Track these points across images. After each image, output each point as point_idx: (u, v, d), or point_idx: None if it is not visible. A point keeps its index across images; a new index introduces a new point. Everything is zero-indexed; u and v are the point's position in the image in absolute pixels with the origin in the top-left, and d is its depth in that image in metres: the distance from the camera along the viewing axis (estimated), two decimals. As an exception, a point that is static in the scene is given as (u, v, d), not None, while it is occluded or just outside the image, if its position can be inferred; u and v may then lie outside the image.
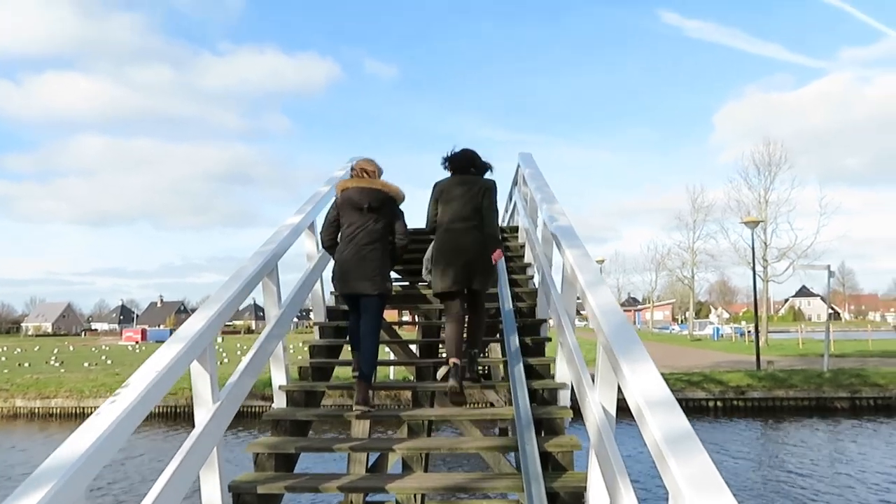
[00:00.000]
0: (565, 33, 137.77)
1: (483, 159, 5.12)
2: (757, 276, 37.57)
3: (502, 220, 10.52)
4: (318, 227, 6.10)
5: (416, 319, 9.77)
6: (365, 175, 4.95)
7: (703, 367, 23.82)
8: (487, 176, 5.14)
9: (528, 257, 7.45)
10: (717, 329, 51.20)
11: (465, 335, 4.91)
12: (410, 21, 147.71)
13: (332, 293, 6.31)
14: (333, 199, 5.08)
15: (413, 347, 7.40)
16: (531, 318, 6.05)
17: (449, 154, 5.04)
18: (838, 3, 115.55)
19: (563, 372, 4.82)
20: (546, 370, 5.20)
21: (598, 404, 3.52)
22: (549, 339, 5.65)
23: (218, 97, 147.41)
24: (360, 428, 6.52)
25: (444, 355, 4.87)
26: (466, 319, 4.93)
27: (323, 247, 5.16)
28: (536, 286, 6.84)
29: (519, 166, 9.01)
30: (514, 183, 10.03)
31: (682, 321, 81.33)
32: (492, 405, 10.65)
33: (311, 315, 6.40)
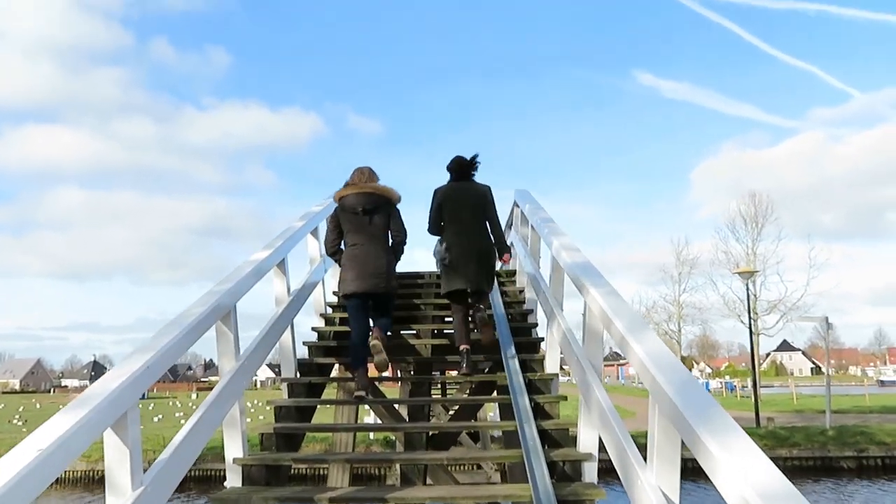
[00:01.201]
0: (544, 93, 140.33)
1: (472, 160, 5.51)
2: (747, 328, 36.99)
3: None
4: (289, 266, 5.24)
5: (400, 374, 8.79)
6: (362, 178, 5.08)
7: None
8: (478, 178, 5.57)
9: (530, 303, 6.57)
10: (706, 384, 50.18)
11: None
12: (394, 78, 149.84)
13: (334, 293, 6.25)
14: (333, 209, 5.18)
15: (399, 408, 6.40)
16: (540, 373, 5.12)
17: (449, 164, 5.53)
18: (807, 66, 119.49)
19: (588, 439, 3.89)
20: (564, 436, 4.26)
21: (655, 489, 2.61)
22: (565, 398, 4.72)
23: (201, 151, 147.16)
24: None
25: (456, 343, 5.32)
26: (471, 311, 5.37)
27: (327, 254, 5.32)
28: (539, 335, 5.99)
29: (515, 206, 8.20)
30: (509, 225, 9.22)
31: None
32: (502, 478, 9.56)
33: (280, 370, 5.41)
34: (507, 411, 5.40)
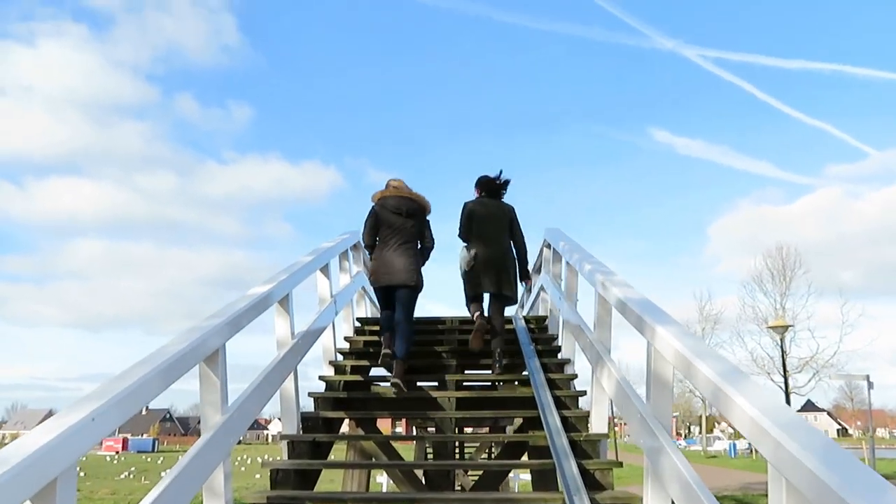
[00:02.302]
0: (560, 148, 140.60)
1: (504, 182, 6.11)
2: (778, 387, 35.43)
3: (523, 308, 8.93)
4: (294, 304, 4.56)
5: (416, 432, 7.96)
6: (397, 188, 5.55)
7: (733, 490, 21.41)
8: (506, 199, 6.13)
9: (566, 352, 5.80)
10: (733, 445, 48.12)
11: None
12: (412, 133, 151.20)
13: (345, 338, 6.26)
14: (371, 208, 5.52)
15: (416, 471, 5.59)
16: (585, 433, 4.33)
17: (478, 181, 6.13)
18: (821, 124, 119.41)
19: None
20: (623, 513, 3.45)
21: None
22: (619, 465, 3.91)
23: (220, 204, 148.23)
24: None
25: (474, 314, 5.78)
26: (489, 322, 5.74)
27: (365, 246, 5.66)
28: (575, 386, 5.22)
29: (545, 247, 7.50)
30: (537, 269, 8.50)
31: (685, 435, 78.00)
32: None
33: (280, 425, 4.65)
34: (544, 480, 4.60)
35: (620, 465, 3.86)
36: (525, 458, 5.12)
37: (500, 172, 6.10)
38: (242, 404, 3.54)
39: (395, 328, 5.23)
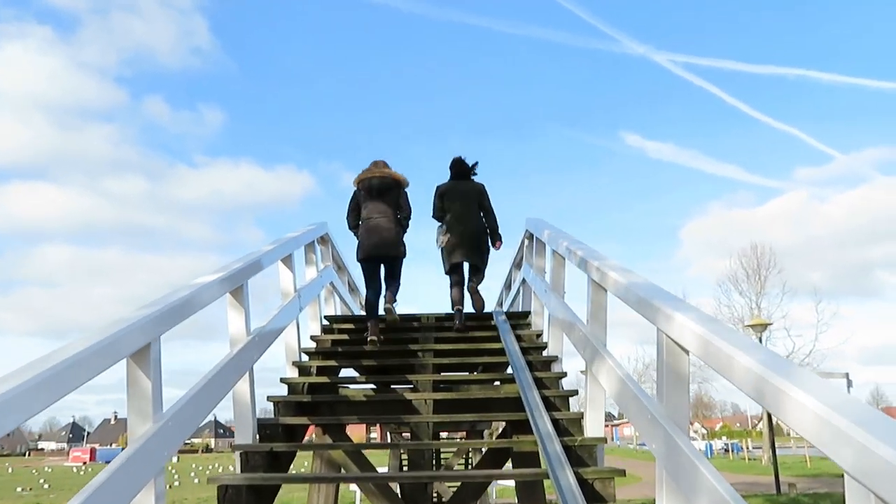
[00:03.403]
0: (533, 152, 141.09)
1: (472, 165, 6.63)
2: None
3: (502, 306, 8.44)
4: (249, 297, 4.03)
5: (390, 438, 7.42)
6: (376, 166, 5.89)
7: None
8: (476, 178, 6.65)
9: (553, 349, 5.32)
10: (709, 445, 48.08)
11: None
12: (386, 137, 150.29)
13: (311, 337, 5.95)
14: (353, 191, 5.91)
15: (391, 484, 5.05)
16: (580, 437, 3.84)
17: (451, 164, 6.62)
18: (788, 128, 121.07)
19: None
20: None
21: None
22: (623, 473, 3.42)
23: (191, 209, 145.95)
24: None
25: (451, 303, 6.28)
26: (466, 283, 6.41)
27: (349, 228, 5.95)
28: (560, 385, 4.74)
29: (526, 239, 7.02)
30: (517, 264, 8.02)
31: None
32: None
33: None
34: (531, 491, 4.11)
35: (623, 473, 3.38)
36: (509, 465, 4.62)
37: (476, 163, 6.66)
38: (181, 410, 2.99)
39: (377, 311, 5.66)
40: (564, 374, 4.92)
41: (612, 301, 3.99)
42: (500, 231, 6.45)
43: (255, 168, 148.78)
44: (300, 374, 5.08)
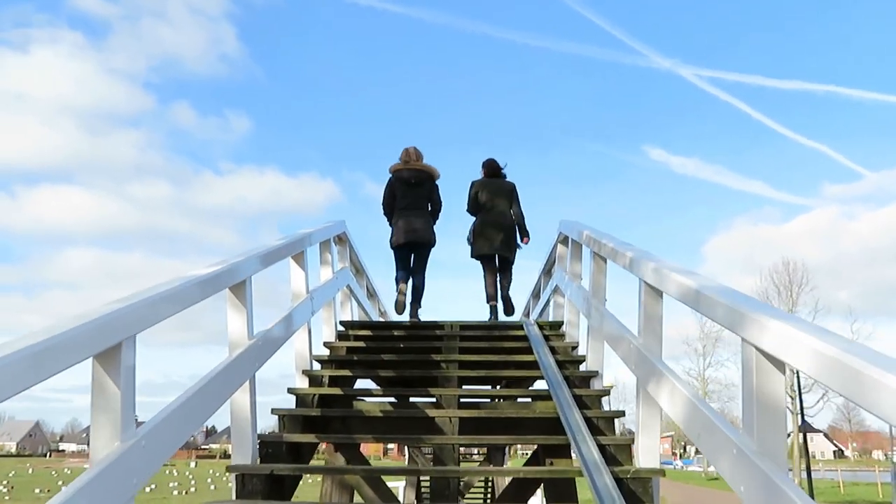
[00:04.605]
0: (557, 166, 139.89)
1: (502, 166, 7.03)
2: (787, 409, 34.36)
3: (529, 316, 7.89)
4: (252, 295, 3.54)
5: (408, 456, 6.88)
6: (410, 158, 6.31)
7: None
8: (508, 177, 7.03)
9: (592, 363, 4.76)
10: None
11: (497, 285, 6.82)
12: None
13: (324, 344, 5.48)
14: (388, 178, 6.38)
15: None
16: (631, 467, 3.28)
17: (484, 163, 7.00)
18: (816, 145, 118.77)
19: None
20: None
21: None
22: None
23: (215, 215, 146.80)
24: None
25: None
26: (498, 277, 6.81)
27: (384, 213, 6.39)
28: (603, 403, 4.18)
29: (559, 243, 6.47)
30: (547, 271, 7.47)
31: (681, 455, 76.75)
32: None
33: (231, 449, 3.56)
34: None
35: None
36: (540, 499, 4.06)
37: (506, 164, 7.06)
38: (158, 427, 2.48)
39: (409, 280, 6.27)
40: (607, 392, 4.36)
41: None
42: (527, 227, 6.82)
43: (280, 175, 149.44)
44: (310, 384, 4.57)
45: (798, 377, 23.13)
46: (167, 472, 52.76)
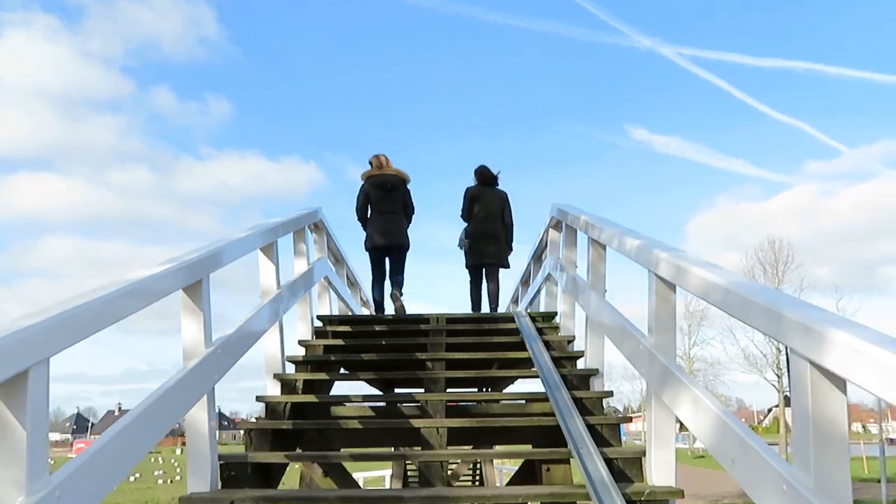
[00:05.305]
0: (540, 146, 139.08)
1: (496, 174, 7.10)
2: (772, 386, 34.35)
3: (518, 304, 7.49)
4: (210, 296, 3.10)
5: (392, 469, 6.49)
6: (381, 164, 6.51)
7: (732, 497, 20.13)
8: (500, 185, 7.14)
9: (592, 360, 4.36)
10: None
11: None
12: (393, 130, 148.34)
13: (300, 342, 5.07)
14: (361, 185, 6.49)
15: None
16: (645, 485, 2.89)
17: (476, 170, 7.12)
18: (796, 122, 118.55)
19: None
20: None
21: None
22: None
23: (197, 201, 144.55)
24: None
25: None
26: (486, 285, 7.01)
27: (358, 219, 6.50)
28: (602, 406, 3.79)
29: (550, 228, 6.07)
30: (536, 258, 7.07)
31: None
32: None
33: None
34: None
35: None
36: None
37: (499, 172, 7.14)
38: (86, 466, 2.04)
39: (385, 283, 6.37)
40: (610, 394, 3.98)
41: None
42: (512, 240, 7.03)
43: (262, 160, 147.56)
44: (283, 390, 4.14)
45: (788, 354, 22.95)
46: (152, 459, 52.18)
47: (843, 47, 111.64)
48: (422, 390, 4.17)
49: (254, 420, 5.02)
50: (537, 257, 7.04)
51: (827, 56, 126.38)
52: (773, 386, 33.01)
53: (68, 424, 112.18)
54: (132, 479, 33.97)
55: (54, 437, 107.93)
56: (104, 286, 2.37)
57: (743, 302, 2.16)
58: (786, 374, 30.39)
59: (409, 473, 11.57)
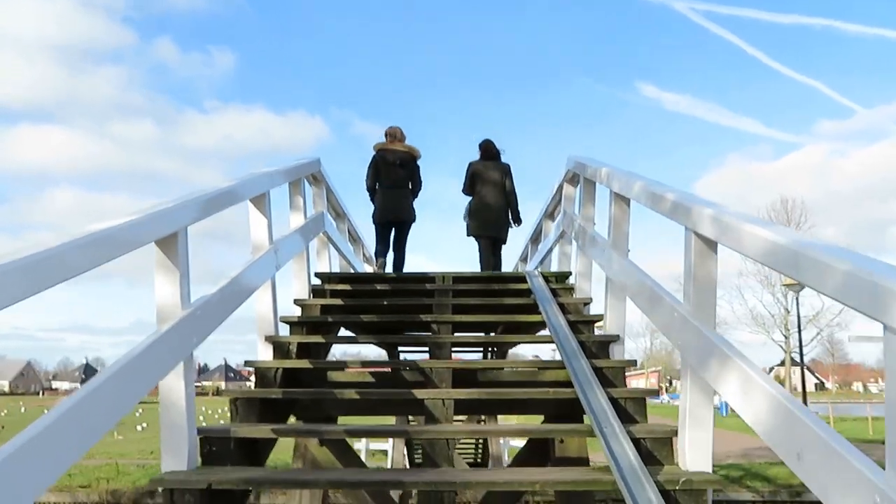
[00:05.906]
0: (549, 103, 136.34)
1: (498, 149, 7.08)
2: (779, 346, 34.17)
3: (527, 262, 7.14)
4: (189, 251, 2.72)
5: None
6: (394, 138, 6.61)
7: (735, 456, 20.05)
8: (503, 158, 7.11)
9: (612, 324, 4.00)
10: (724, 404, 47.10)
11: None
12: (401, 86, 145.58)
13: (295, 301, 4.69)
14: (373, 156, 6.54)
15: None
16: (677, 468, 2.55)
17: (480, 144, 7.10)
18: (809, 81, 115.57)
19: None
20: None
21: None
22: None
23: (201, 154, 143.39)
24: None
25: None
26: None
27: (367, 189, 6.60)
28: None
29: (565, 182, 5.66)
30: (548, 214, 6.66)
31: (667, 389, 77.96)
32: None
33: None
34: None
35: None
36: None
37: (502, 149, 7.13)
38: (27, 447, 1.70)
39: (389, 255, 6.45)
40: (634, 363, 3.63)
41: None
42: (519, 211, 6.96)
43: (267, 113, 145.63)
44: (275, 353, 3.80)
45: (798, 316, 22.67)
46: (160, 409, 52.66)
47: (865, 3, 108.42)
48: (426, 355, 3.83)
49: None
50: (549, 214, 6.64)
51: (847, 13, 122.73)
52: (780, 346, 32.82)
53: (77, 374, 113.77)
54: (139, 428, 34.23)
55: (64, 385, 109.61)
56: (63, 235, 2.01)
57: (819, 267, 1.78)
58: (794, 334, 30.15)
59: (414, 442, 11.34)
